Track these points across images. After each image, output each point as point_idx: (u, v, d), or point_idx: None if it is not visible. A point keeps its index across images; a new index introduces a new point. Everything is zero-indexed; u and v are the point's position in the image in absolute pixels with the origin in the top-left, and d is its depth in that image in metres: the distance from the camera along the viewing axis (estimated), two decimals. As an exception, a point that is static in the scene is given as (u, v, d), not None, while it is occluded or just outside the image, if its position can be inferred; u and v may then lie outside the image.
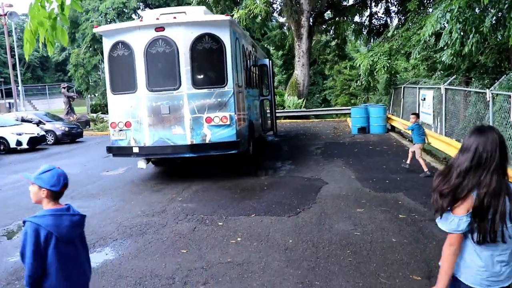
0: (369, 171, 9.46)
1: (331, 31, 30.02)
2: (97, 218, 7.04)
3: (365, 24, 28.93)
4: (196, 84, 8.84)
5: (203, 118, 8.83)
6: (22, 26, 69.96)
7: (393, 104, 20.34)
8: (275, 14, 33.95)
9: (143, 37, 8.90)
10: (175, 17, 8.89)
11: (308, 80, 26.96)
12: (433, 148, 11.37)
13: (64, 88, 28.55)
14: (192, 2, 26.50)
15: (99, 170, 11.54)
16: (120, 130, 9.33)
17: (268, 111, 14.96)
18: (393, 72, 19.29)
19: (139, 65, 8.99)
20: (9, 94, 51.76)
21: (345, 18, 27.41)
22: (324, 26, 29.49)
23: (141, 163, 9.53)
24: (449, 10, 9.54)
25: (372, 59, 19.02)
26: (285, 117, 24.76)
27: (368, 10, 28.32)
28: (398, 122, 15.58)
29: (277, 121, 24.43)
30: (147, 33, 8.88)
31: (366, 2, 27.72)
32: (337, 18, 28.33)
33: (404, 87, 17.58)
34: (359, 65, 20.21)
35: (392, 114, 17.98)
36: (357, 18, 29.28)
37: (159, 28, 8.82)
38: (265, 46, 43.50)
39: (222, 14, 27.64)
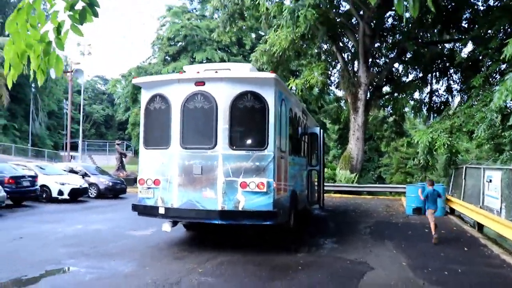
0: (423, 258, 8.09)
1: (389, 106, 29.15)
2: (102, 282, 6.20)
3: (424, 101, 27.88)
4: (233, 144, 8.13)
5: (237, 182, 8.01)
6: (93, 85, 75.13)
7: (453, 185, 18.66)
8: (332, 87, 33.84)
9: (182, 91, 8.46)
10: (216, 72, 8.43)
11: (362, 155, 25.83)
12: (499, 236, 9.83)
13: (118, 144, 29.13)
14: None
15: (127, 229, 10.87)
16: (148, 188, 8.69)
17: (316, 182, 13.94)
18: (454, 151, 17.88)
19: (175, 119, 8.48)
20: (74, 148, 54.62)
21: (404, 94, 26.52)
22: (381, 101, 28.72)
23: (166, 226, 8.73)
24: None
25: (431, 136, 17.83)
26: (336, 191, 23.52)
27: (429, 86, 27.39)
28: (459, 205, 13.98)
29: (327, 194, 23.41)
30: (187, 87, 8.44)
31: (426, 78, 26.88)
32: (395, 94, 27.54)
33: (466, 167, 16.06)
34: (417, 142, 18.99)
35: (452, 195, 16.34)
36: (416, 95, 28.40)
37: (199, 82, 8.36)
38: (321, 119, 43.24)
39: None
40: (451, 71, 25.98)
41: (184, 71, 9.20)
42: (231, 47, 45.67)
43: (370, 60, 26.31)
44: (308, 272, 6.91)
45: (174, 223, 9.04)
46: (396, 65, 28.10)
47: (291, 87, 25.86)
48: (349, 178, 23.92)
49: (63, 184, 17.70)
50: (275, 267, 7.23)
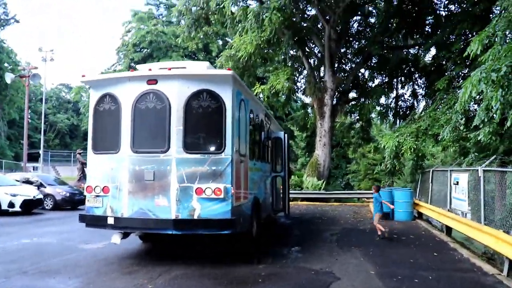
0: (392, 266, 7.64)
1: (356, 112, 29.07)
2: (34, 306, 5.45)
3: (391, 106, 27.92)
4: (187, 147, 7.50)
5: (192, 188, 7.38)
6: (57, 94, 72.82)
7: (420, 189, 18.53)
8: (299, 94, 33.61)
9: (133, 90, 7.79)
10: (169, 69, 7.81)
11: (329, 161, 25.55)
12: (467, 239, 9.56)
13: (79, 154, 27.83)
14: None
15: (79, 242, 10.03)
16: (97, 196, 7.95)
17: (281, 190, 13.40)
18: (420, 154, 17.75)
19: (125, 121, 7.79)
20: (36, 158, 52.57)
21: (370, 99, 26.46)
22: (348, 107, 28.62)
23: (115, 238, 7.98)
24: (492, 70, 8.21)
25: (397, 140, 17.65)
26: (303, 199, 23.10)
27: (394, 92, 27.48)
28: (427, 209, 13.74)
29: (294, 202, 22.95)
30: (138, 86, 7.77)
31: (392, 83, 26.95)
32: (362, 99, 27.48)
33: (432, 170, 15.90)
34: (384, 147, 18.80)
35: (419, 199, 16.14)
36: (383, 100, 28.46)
37: (151, 80, 7.71)
38: (289, 126, 42.95)
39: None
40: (416, 75, 26.19)
41: (137, 69, 8.52)
42: (197, 53, 44.92)
43: (336, 65, 26.21)
44: (268, 286, 6.33)
45: (125, 235, 8.29)
46: (362, 70, 28.15)
47: (256, 93, 25.42)
48: (316, 185, 23.55)
49: (14, 195, 16.53)
50: (233, 281, 6.61)
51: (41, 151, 44.03)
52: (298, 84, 29.47)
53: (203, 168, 7.42)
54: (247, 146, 8.84)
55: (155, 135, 7.69)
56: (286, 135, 13.71)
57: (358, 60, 26.81)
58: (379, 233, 10.73)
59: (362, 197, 24.00)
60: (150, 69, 7.95)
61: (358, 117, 29.65)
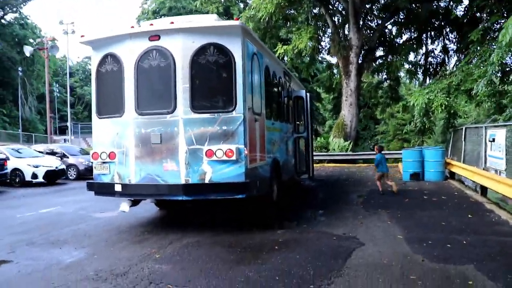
0: (423, 229, 6.98)
1: (383, 71, 27.74)
2: (32, 278, 5.10)
3: (420, 63, 26.50)
4: (195, 107, 6.91)
5: (202, 150, 6.83)
6: (84, 67, 73.22)
7: (452, 149, 17.56)
8: (324, 54, 32.37)
9: (135, 48, 7.19)
10: (172, 23, 7.14)
11: (356, 122, 24.61)
12: (503, 200, 8.78)
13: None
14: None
15: (94, 210, 9.78)
16: (103, 163, 7.52)
17: (305, 151, 12.77)
18: (452, 111, 16.73)
19: (128, 82, 7.24)
20: (65, 131, 53.49)
21: (398, 56, 25.09)
22: (375, 65, 27.34)
23: (124, 206, 7.57)
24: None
25: (428, 97, 16.67)
26: (329, 161, 22.48)
27: (424, 48, 26.00)
28: (460, 168, 12.88)
29: (320, 164, 22.34)
30: (140, 43, 7.16)
31: (421, 39, 25.45)
32: (389, 57, 26.14)
33: (466, 127, 14.92)
34: (414, 105, 17.81)
35: (451, 159, 15.23)
36: (411, 57, 27.05)
37: (154, 36, 7.08)
38: (315, 88, 41.89)
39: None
40: (447, 29, 24.58)
41: (139, 26, 7.88)
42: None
43: (361, 22, 24.86)
44: (285, 253, 5.79)
45: (135, 202, 7.89)
46: (389, 26, 26.70)
47: (279, 54, 24.50)
48: (343, 146, 22.81)
49: (36, 166, 16.53)
50: (247, 248, 6.12)
51: (69, 123, 44.50)
52: (323, 43, 28.19)
53: (213, 129, 6.84)
54: (263, 104, 8.19)
55: (160, 96, 7.11)
56: (308, 94, 13.00)
57: (384, 16, 25.34)
58: (380, 190, 11.25)
59: (390, 158, 23.07)
60: (151, 24, 7.29)
61: (386, 76, 28.40)
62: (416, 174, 13.74)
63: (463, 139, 14.77)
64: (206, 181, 6.84)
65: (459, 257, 5.43)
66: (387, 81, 28.93)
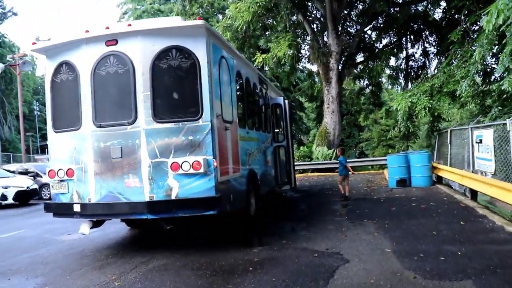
0: (412, 241, 6.40)
1: (365, 77, 27.45)
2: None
3: (401, 67, 26.27)
4: (158, 116, 6.27)
5: (167, 164, 6.19)
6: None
7: (438, 152, 17.17)
8: (304, 62, 32.02)
9: (91, 55, 6.55)
10: (130, 25, 6.52)
11: (339, 129, 24.14)
12: (491, 202, 8.29)
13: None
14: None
15: (61, 233, 9.02)
16: (61, 181, 6.82)
17: (285, 161, 12.18)
18: (436, 114, 16.33)
19: (84, 92, 6.58)
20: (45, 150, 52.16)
21: (379, 61, 24.80)
22: (356, 71, 27.07)
23: (84, 228, 6.84)
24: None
25: (410, 100, 16.26)
26: (313, 170, 21.92)
27: (404, 52, 25.79)
28: (448, 172, 12.41)
29: (304, 174, 21.78)
30: (96, 49, 6.52)
31: (401, 43, 25.25)
32: (370, 62, 25.84)
33: (451, 130, 14.52)
34: (396, 109, 17.41)
35: (438, 163, 14.79)
36: (392, 62, 26.85)
37: (110, 41, 6.45)
38: (297, 98, 41.58)
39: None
40: (426, 32, 24.40)
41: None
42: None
43: (340, 27, 24.54)
44: (259, 275, 5.15)
45: (98, 223, 7.15)
46: (369, 32, 26.49)
47: (258, 63, 24.03)
48: (327, 155, 22.30)
49: (6, 187, 15.65)
50: (219, 271, 5.45)
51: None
52: (302, 51, 27.81)
53: (178, 139, 6.21)
54: (234, 111, 7.60)
55: (120, 105, 6.46)
56: (287, 101, 12.46)
57: (363, 21, 25.09)
58: (342, 192, 11.47)
59: (375, 165, 22.65)
60: (108, 28, 6.65)
61: (367, 82, 28.14)
62: (403, 180, 13.24)
63: (448, 142, 14.36)
64: (173, 197, 6.19)
65: (455, 272, 4.84)
66: (369, 87, 28.68)
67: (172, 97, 6.39)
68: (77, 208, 6.59)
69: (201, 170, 6.07)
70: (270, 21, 25.62)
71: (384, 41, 25.80)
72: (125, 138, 6.34)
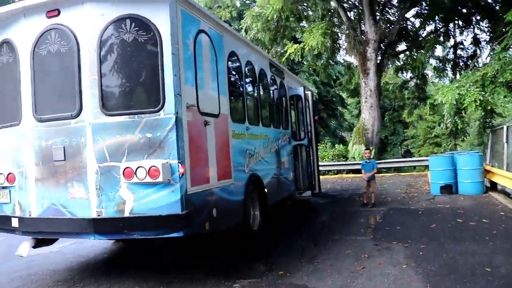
0: (456, 281, 4.54)
1: (408, 69, 25.02)
2: None
3: (448, 57, 23.67)
4: (108, 107, 4.75)
5: (119, 169, 4.66)
6: None
7: (491, 151, 14.83)
8: (344, 55, 29.99)
9: (30, 30, 5.12)
10: (74, -9, 5.03)
11: (378, 125, 21.94)
12: None
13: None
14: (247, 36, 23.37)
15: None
16: (3, 188, 5.47)
17: (307, 162, 10.46)
18: (489, 107, 14.05)
19: (24, 78, 5.17)
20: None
21: (423, 50, 22.33)
22: (398, 62, 24.73)
23: (23, 248, 5.36)
24: None
25: (458, 92, 14.04)
26: (348, 171, 19.94)
27: (452, 40, 23.19)
28: (505, 178, 10.23)
29: (339, 175, 19.87)
30: (35, 22, 5.08)
31: (448, 30, 22.67)
32: (413, 51, 23.42)
33: (507, 126, 12.26)
34: (442, 102, 15.25)
35: (491, 166, 12.57)
36: (439, 52, 24.34)
37: (52, 11, 4.97)
38: (337, 92, 39.49)
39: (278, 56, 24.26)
40: (477, 17, 21.73)
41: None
42: (232, 22, 41.87)
43: (379, 14, 22.34)
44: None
45: (38, 242, 5.68)
46: (411, 18, 24.10)
47: (289, 54, 22.34)
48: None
49: None
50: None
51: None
52: (340, 42, 25.71)
53: (133, 137, 4.67)
54: (224, 102, 5.98)
55: (62, 94, 4.99)
56: (309, 92, 10.74)
57: (404, 6, 22.71)
58: (365, 201, 10.17)
59: (419, 165, 20.35)
60: (49, -5, 5.20)
61: (411, 75, 25.73)
62: (448, 186, 11.15)
63: (505, 141, 12.10)
64: (126, 213, 4.66)
65: None
66: (413, 80, 26.24)
67: (126, 81, 4.85)
68: (15, 222, 5.22)
69: (160, 179, 4.50)
70: (303, 8, 23.85)
71: (429, 28, 23.26)
72: (69, 135, 4.87)
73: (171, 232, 4.62)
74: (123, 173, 4.63)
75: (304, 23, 25.49)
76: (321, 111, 39.33)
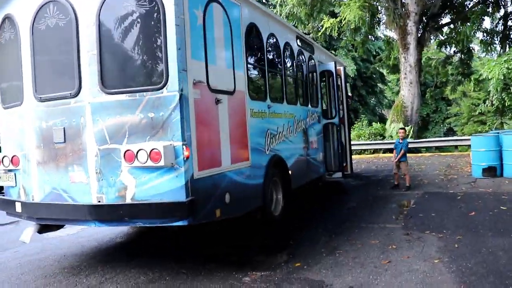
0: (496, 283, 3.97)
1: (451, 43, 23.53)
2: None
3: (496, 29, 22.06)
4: (107, 84, 4.37)
5: (119, 152, 4.31)
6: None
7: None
8: (384, 30, 28.59)
9: (29, 2, 4.80)
10: (71, -42, 4.62)
11: (418, 102, 20.89)
12: None
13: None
14: (282, 15, 22.63)
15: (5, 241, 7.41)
16: (8, 171, 5.27)
17: (338, 141, 9.88)
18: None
19: (25, 54, 4.87)
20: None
21: (468, 22, 20.87)
22: (441, 36, 23.32)
23: (26, 234, 5.12)
24: None
25: (507, 66, 12.93)
26: (385, 150, 19.12)
27: (502, 10, 21.58)
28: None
29: (375, 155, 19.09)
30: (34, -4, 4.76)
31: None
32: (458, 24, 21.97)
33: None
34: (488, 78, 14.16)
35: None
36: (487, 24, 22.74)
37: (49, -18, 4.63)
38: (377, 69, 38.11)
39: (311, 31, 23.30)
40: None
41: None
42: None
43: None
44: None
45: (43, 227, 5.43)
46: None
47: (325, 29, 21.46)
48: (402, 133, 19.27)
49: None
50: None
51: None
52: (379, 15, 24.42)
53: (135, 117, 4.28)
54: (240, 78, 5.50)
55: (62, 71, 4.67)
56: (342, 67, 10.17)
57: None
58: (396, 183, 9.57)
59: (461, 145, 19.24)
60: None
61: (455, 49, 24.24)
62: (492, 168, 10.30)
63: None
64: (128, 199, 4.32)
65: None
66: (457, 54, 24.74)
67: (127, 57, 4.44)
68: (18, 207, 5.01)
69: (161, 163, 4.10)
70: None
71: (476, -2, 21.69)
72: (68, 115, 4.55)
73: (175, 220, 4.25)
74: (124, 156, 4.27)
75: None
76: (360, 88, 38.18)
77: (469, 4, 21.59)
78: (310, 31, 24.29)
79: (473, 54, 26.01)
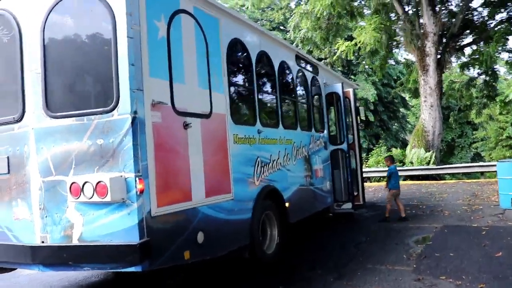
0: None
1: (474, 65, 22.56)
2: None
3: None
4: (52, 107, 3.80)
5: (65, 184, 3.70)
6: None
7: None
8: (403, 53, 27.84)
9: (-26, 16, 4.35)
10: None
11: (440, 127, 19.89)
12: None
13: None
14: (295, 42, 22.29)
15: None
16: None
17: (347, 170, 9.12)
18: None
19: (-30, 73, 4.40)
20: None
21: (491, 42, 19.92)
22: (463, 57, 22.41)
23: None
24: None
25: (533, 85, 11.92)
26: (406, 177, 18.13)
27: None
28: None
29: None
30: (-23, 7, 4.29)
31: (524, 18, 20.12)
32: (480, 45, 21.06)
33: None
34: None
35: None
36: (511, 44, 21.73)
37: (-11, -8, 4.17)
38: (398, 93, 37.24)
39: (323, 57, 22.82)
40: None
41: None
42: (285, 23, 40.60)
43: (439, 5, 20.26)
44: None
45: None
46: (479, 9, 21.65)
47: (340, 52, 20.91)
48: (423, 158, 18.34)
49: None
50: None
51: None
52: (397, 38, 23.72)
53: (82, 144, 3.68)
54: (218, 99, 4.86)
55: (6, 92, 4.15)
56: (350, 90, 9.49)
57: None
58: (387, 215, 8.97)
59: (487, 171, 18.06)
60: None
61: (479, 71, 23.23)
62: (519, 197, 9.31)
63: None
64: (74, 240, 3.68)
65: None
66: (481, 76, 23.70)
67: (75, 75, 3.88)
68: (-37, 248, 4.41)
69: (108, 198, 3.46)
70: (356, 4, 22.27)
71: (499, 16, 20.72)
72: (12, 143, 3.99)
73: (128, 265, 3.57)
74: (70, 189, 3.65)
75: (359, 21, 23.82)
76: (381, 113, 37.31)
77: (492, 23, 20.67)
78: (327, 56, 23.79)
79: (498, 75, 24.89)
